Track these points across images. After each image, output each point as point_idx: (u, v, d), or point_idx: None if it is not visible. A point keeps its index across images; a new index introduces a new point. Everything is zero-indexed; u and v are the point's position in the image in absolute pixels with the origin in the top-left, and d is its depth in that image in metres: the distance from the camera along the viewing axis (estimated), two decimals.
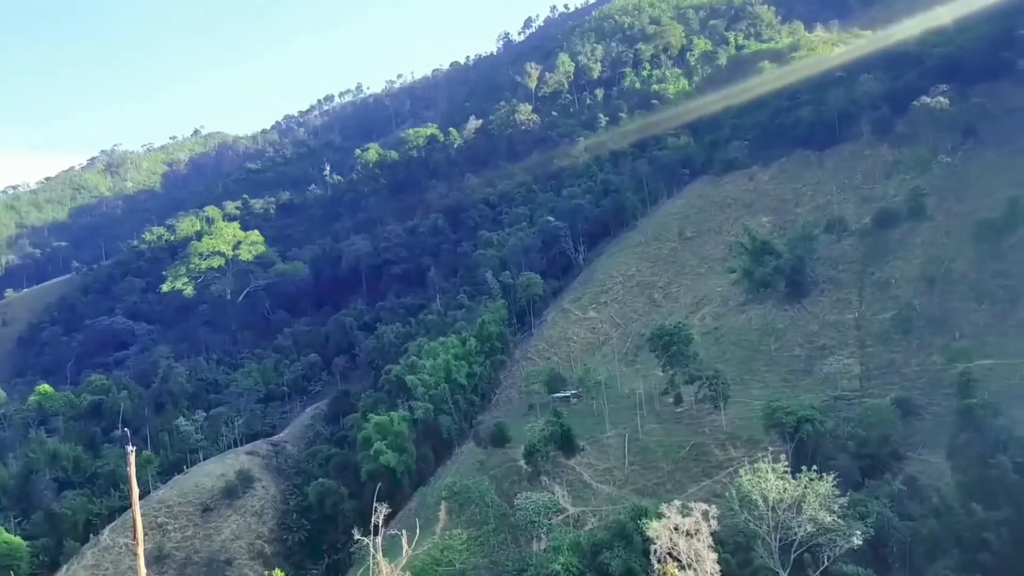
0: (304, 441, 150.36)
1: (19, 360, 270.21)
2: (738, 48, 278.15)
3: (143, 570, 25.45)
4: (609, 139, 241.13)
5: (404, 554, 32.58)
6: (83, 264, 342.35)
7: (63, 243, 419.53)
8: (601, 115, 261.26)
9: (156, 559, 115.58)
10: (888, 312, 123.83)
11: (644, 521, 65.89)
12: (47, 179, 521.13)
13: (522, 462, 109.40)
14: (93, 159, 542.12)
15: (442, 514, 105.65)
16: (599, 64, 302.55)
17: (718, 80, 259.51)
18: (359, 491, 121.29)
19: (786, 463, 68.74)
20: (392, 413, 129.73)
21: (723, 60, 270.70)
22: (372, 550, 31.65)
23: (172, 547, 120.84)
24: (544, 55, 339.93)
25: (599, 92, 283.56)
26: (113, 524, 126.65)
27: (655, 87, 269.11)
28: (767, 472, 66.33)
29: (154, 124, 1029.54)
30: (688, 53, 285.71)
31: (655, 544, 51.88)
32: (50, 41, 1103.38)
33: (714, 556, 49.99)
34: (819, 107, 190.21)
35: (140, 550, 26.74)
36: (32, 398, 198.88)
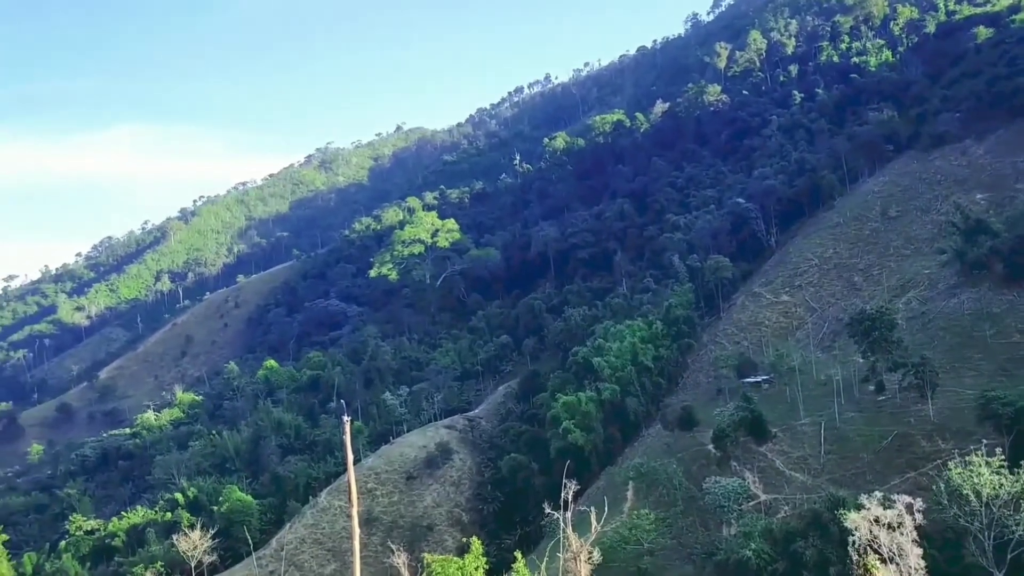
0: (497, 417, 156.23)
1: (248, 338, 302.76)
2: (949, 14, 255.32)
3: (357, 530, 28.02)
4: (804, 116, 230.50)
5: (592, 530, 33.81)
6: (302, 252, 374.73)
7: (285, 233, 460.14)
8: (795, 92, 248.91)
9: (366, 521, 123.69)
10: None
11: (842, 512, 64.16)
12: (270, 176, 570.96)
13: (710, 446, 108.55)
14: (309, 157, 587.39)
15: (629, 494, 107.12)
16: (793, 39, 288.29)
17: (926, 49, 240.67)
18: (548, 467, 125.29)
19: (1002, 457, 64.21)
20: (579, 394, 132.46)
21: (931, 27, 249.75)
22: (562, 524, 33.09)
23: (380, 511, 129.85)
24: (734, 34, 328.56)
25: (793, 68, 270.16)
26: (329, 488, 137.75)
27: (855, 60, 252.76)
28: (980, 466, 62.36)
29: (362, 122, 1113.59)
30: (892, 23, 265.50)
31: (854, 536, 50.78)
32: (274, 58, 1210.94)
33: (919, 551, 48.19)
34: None
35: (355, 511, 28.27)
36: (260, 372, 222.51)
